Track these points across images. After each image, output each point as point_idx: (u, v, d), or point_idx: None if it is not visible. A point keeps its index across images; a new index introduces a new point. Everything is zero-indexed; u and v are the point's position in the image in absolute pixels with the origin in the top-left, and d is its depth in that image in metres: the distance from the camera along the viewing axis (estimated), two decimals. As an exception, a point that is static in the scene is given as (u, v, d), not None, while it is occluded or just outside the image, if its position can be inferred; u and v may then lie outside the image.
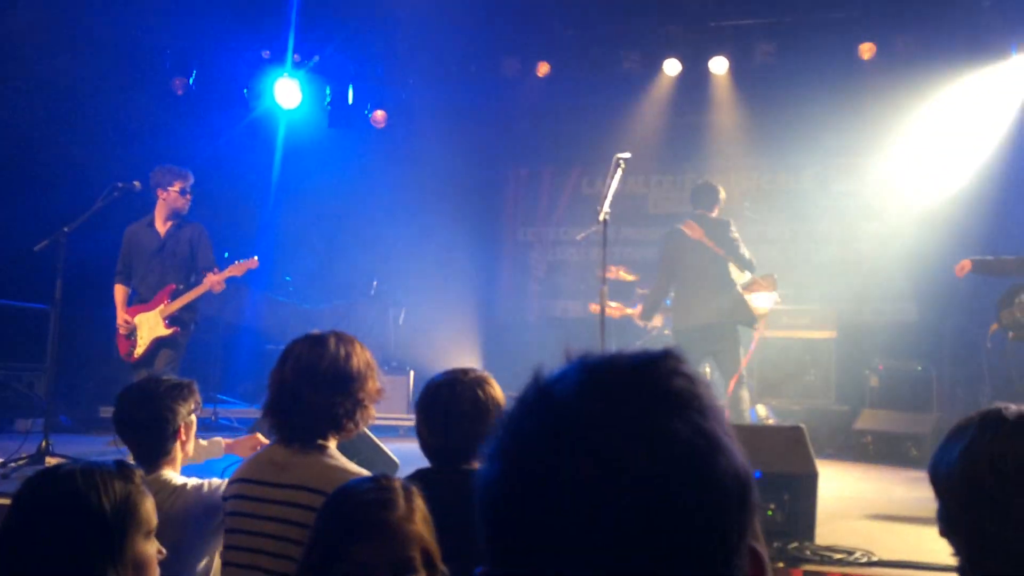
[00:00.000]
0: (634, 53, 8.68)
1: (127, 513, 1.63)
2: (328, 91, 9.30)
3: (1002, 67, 7.82)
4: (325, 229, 9.65)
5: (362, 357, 2.38)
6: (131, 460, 2.61)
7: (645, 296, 7.04)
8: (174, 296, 5.82)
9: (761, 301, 6.65)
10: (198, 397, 2.74)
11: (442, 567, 1.71)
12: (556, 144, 9.72)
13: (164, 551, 1.73)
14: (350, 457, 2.40)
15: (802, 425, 3.85)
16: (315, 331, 2.42)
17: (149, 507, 1.69)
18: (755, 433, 4.25)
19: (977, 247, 7.23)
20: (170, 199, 5.91)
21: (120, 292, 5.97)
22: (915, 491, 5.10)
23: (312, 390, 2.29)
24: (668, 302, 6.74)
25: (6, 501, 1.75)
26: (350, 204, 9.47)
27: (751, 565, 0.74)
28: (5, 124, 7.67)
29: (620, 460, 0.69)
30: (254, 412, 7.07)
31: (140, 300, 5.93)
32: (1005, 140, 7.89)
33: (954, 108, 8.02)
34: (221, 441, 3.25)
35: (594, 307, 6.99)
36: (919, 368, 7.34)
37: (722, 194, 6.47)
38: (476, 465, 2.25)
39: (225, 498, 2.38)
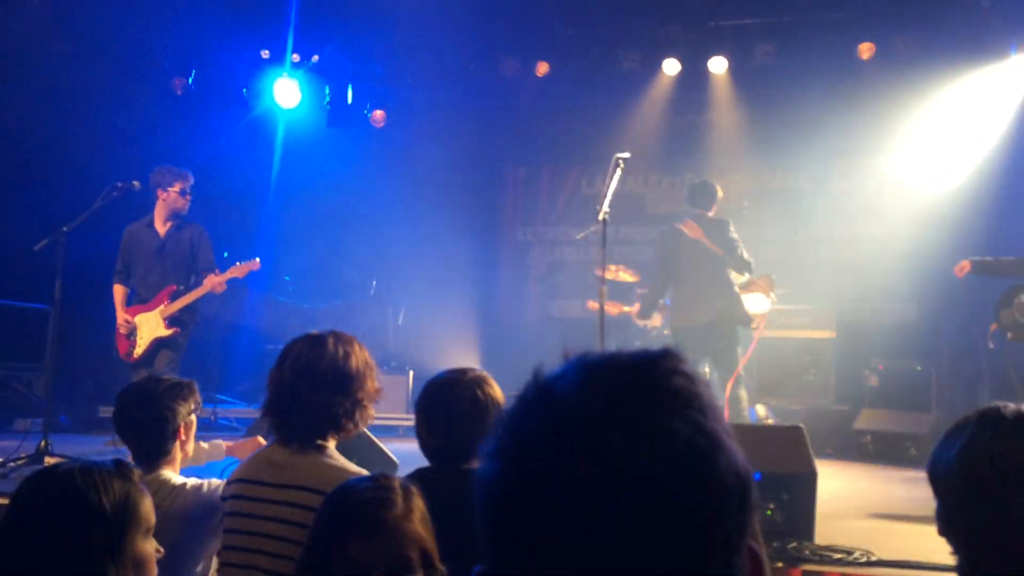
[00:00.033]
0: (633, 53, 8.68)
1: (127, 512, 1.63)
2: (327, 91, 9.30)
3: (1001, 67, 7.83)
4: (324, 229, 9.64)
5: (361, 357, 2.38)
6: (130, 460, 2.61)
7: (643, 295, 7.04)
8: (174, 297, 5.81)
9: (756, 304, 6.64)
10: (198, 397, 2.74)
11: (441, 567, 1.71)
12: (555, 144, 9.72)
13: (162, 550, 1.73)
14: (349, 457, 2.40)
15: (801, 425, 3.85)
16: (314, 331, 2.42)
17: (148, 506, 1.69)
18: (754, 433, 4.25)
19: (976, 247, 7.24)
20: (170, 199, 5.91)
21: (119, 292, 5.96)
22: (914, 491, 5.10)
23: (311, 390, 2.29)
24: (668, 302, 6.73)
25: (4, 501, 1.75)
26: (349, 204, 9.47)
27: (750, 565, 0.74)
28: (4, 124, 7.66)
29: (621, 458, 0.69)
30: (253, 412, 7.07)
31: (140, 300, 5.93)
32: (1004, 140, 7.90)
33: (954, 108, 8.02)
34: (222, 443, 3.25)
35: (592, 304, 6.98)
36: (918, 368, 7.35)
37: (720, 193, 6.47)
38: (476, 465, 2.25)
39: (224, 498, 2.38)
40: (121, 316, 5.87)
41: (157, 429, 2.59)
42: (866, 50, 7.97)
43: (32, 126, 7.89)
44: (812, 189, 9.04)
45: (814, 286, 8.33)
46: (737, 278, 6.42)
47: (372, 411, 2.42)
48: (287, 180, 9.52)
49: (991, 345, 5.72)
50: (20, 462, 4.86)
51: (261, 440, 3.13)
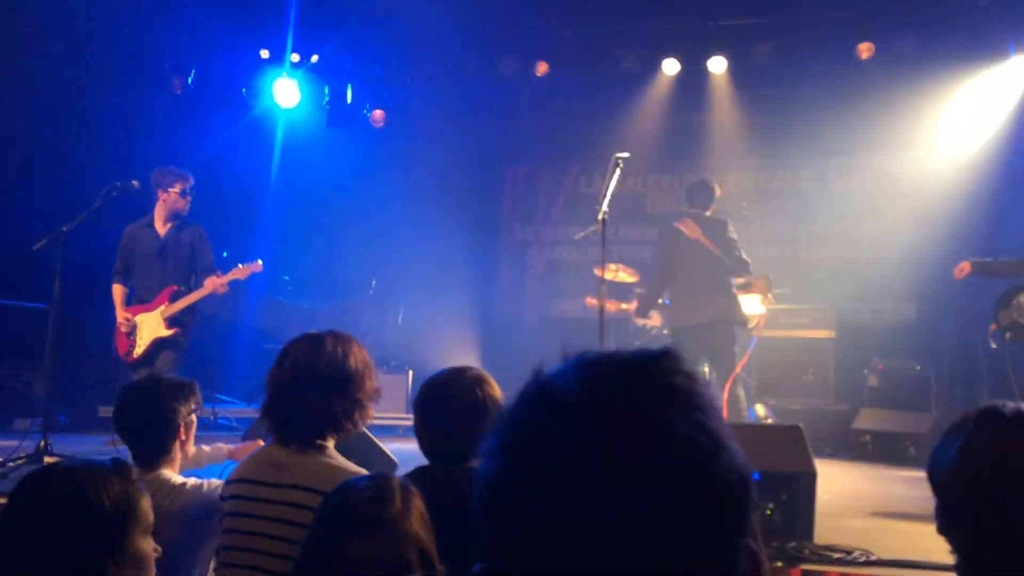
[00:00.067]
0: (633, 52, 8.69)
1: (126, 510, 1.64)
2: (327, 90, 9.30)
3: (1000, 67, 7.83)
4: (324, 228, 9.64)
5: (360, 357, 2.38)
6: (130, 460, 2.61)
7: (642, 294, 7.05)
8: (175, 297, 5.81)
9: (752, 306, 6.64)
10: (198, 397, 2.74)
11: (440, 568, 1.71)
12: (555, 143, 9.72)
13: (160, 549, 1.73)
14: (349, 457, 2.40)
15: (800, 425, 3.85)
16: (313, 331, 2.42)
17: (146, 504, 1.69)
18: (754, 432, 4.25)
19: (976, 247, 7.23)
20: (170, 200, 5.91)
21: (118, 291, 5.96)
22: (914, 490, 5.10)
23: (310, 390, 2.29)
24: (668, 302, 6.73)
25: (2, 500, 1.74)
26: (349, 203, 9.47)
27: (749, 564, 0.74)
28: (3, 124, 7.66)
29: (623, 457, 0.69)
30: (253, 412, 7.07)
31: (139, 300, 5.92)
32: (1004, 139, 7.90)
33: (953, 107, 8.02)
34: (223, 447, 3.25)
35: (591, 301, 6.99)
36: (918, 368, 7.35)
37: (718, 191, 6.46)
38: (475, 464, 2.25)
39: (223, 498, 2.37)
40: (121, 315, 5.86)
41: (157, 428, 2.59)
42: (865, 50, 7.98)
43: (31, 126, 7.89)
44: (811, 189, 9.04)
45: (813, 286, 8.33)
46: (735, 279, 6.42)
47: (371, 411, 2.42)
48: (287, 180, 9.52)
49: (993, 345, 5.72)
50: (19, 462, 4.86)
51: (262, 443, 3.13)
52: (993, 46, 7.76)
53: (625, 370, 0.75)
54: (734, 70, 8.55)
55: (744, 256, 6.28)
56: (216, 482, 2.55)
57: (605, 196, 5.25)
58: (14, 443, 5.17)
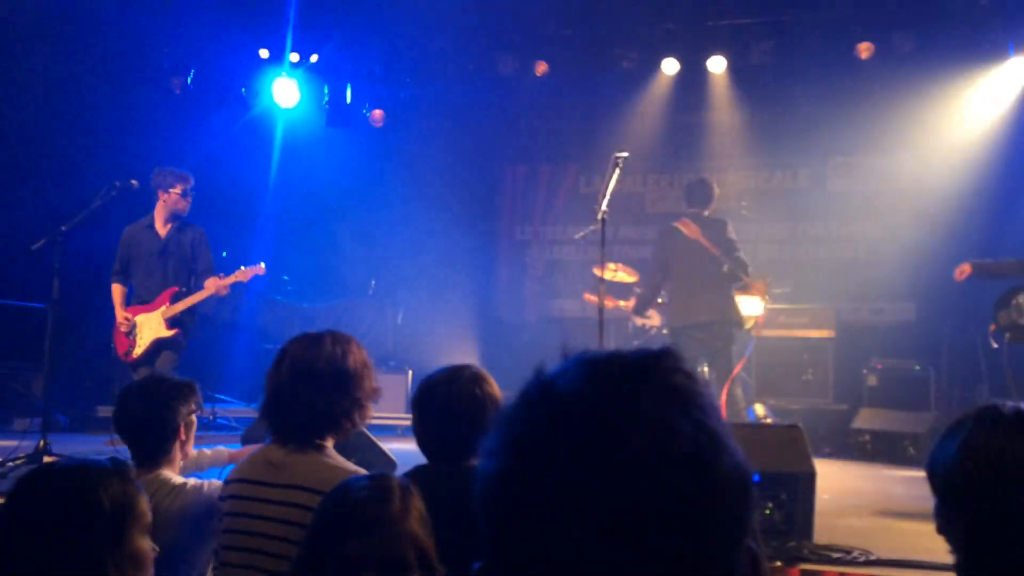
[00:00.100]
0: (632, 52, 8.68)
1: (124, 508, 1.64)
2: (326, 90, 9.30)
3: (1000, 66, 7.83)
4: (323, 228, 9.64)
5: (358, 356, 2.37)
6: (129, 459, 2.61)
7: (640, 293, 7.05)
8: (176, 298, 5.82)
9: (749, 307, 6.64)
10: (199, 397, 2.74)
11: (439, 568, 1.71)
12: (554, 143, 9.72)
13: (158, 549, 1.73)
14: (348, 457, 2.40)
15: (800, 424, 3.85)
16: (312, 331, 2.41)
17: (144, 503, 1.70)
18: (753, 432, 4.25)
19: (975, 246, 7.24)
20: (171, 201, 5.91)
21: (118, 291, 5.96)
22: (913, 490, 5.10)
23: (309, 390, 2.28)
24: (669, 302, 6.72)
25: (0, 500, 1.74)
26: (348, 203, 9.47)
27: (748, 563, 0.74)
28: (1, 123, 7.66)
29: (625, 455, 0.69)
30: (252, 412, 7.07)
31: (139, 301, 5.92)
32: (1003, 139, 7.90)
33: (952, 107, 8.03)
34: (224, 451, 3.25)
35: (589, 296, 6.98)
36: (917, 367, 7.35)
37: (716, 191, 6.46)
38: (474, 463, 2.25)
39: (222, 498, 2.37)
40: (121, 315, 5.86)
41: (157, 429, 2.58)
42: (865, 49, 7.97)
43: (30, 125, 7.89)
44: (811, 188, 9.04)
45: (813, 285, 8.34)
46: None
47: (370, 410, 2.42)
48: (286, 179, 9.52)
49: (994, 345, 5.72)
50: (19, 462, 4.85)
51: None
52: (992, 46, 7.75)
53: (626, 369, 0.75)
54: (733, 70, 8.55)
55: (743, 257, 6.28)
56: (216, 483, 2.55)
57: (604, 195, 5.25)
58: (13, 443, 5.17)
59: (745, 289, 6.46)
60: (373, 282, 9.08)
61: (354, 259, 9.34)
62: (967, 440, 1.44)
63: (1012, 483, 1.39)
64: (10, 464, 4.83)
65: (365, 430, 2.91)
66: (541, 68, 8.83)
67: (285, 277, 9.13)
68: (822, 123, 8.60)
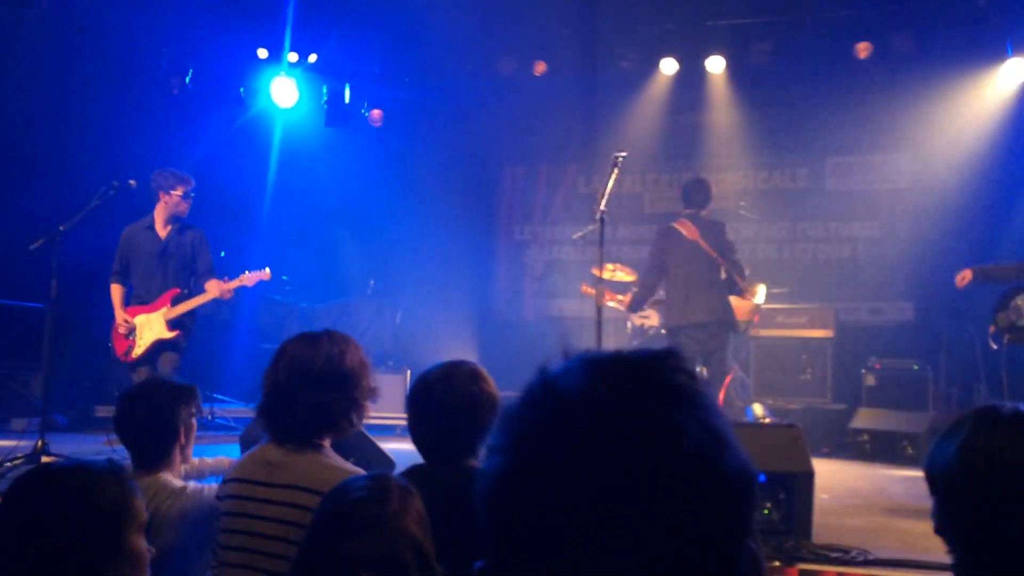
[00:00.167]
0: (631, 52, 8.69)
1: (121, 508, 1.65)
2: (325, 90, 9.29)
3: (998, 66, 7.83)
4: (322, 228, 9.64)
5: (356, 356, 2.37)
6: (128, 460, 2.61)
7: (634, 291, 7.05)
8: (177, 300, 5.82)
9: (742, 311, 6.63)
10: (199, 401, 2.74)
11: (438, 568, 1.70)
12: (553, 143, 9.72)
13: (154, 550, 1.74)
14: (346, 456, 2.39)
15: (798, 424, 3.85)
16: (310, 330, 2.41)
17: (140, 503, 1.71)
18: (751, 432, 4.25)
19: (973, 246, 7.26)
20: (172, 203, 5.91)
21: (117, 291, 5.95)
22: (911, 489, 5.11)
23: (306, 390, 2.28)
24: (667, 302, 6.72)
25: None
26: (347, 202, 9.47)
27: (748, 563, 0.74)
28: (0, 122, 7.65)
29: (629, 454, 0.69)
30: (251, 412, 7.05)
31: (139, 301, 5.91)
32: (1002, 139, 7.90)
33: (950, 107, 8.03)
34: (225, 460, 3.25)
35: (586, 288, 6.97)
36: (915, 367, 7.36)
37: (713, 191, 6.47)
38: (471, 462, 2.24)
39: (219, 497, 2.37)
40: (120, 315, 5.86)
41: (158, 432, 2.58)
42: (863, 49, 7.98)
43: (28, 125, 7.88)
44: (809, 188, 9.05)
45: (811, 285, 8.35)
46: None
47: (368, 410, 2.41)
48: (285, 179, 9.52)
49: (993, 346, 5.72)
50: (17, 462, 4.85)
51: None
52: (991, 47, 7.76)
53: (630, 369, 0.75)
54: (732, 70, 8.56)
55: (740, 261, 6.28)
56: (216, 487, 2.54)
57: (603, 195, 5.25)
58: (11, 443, 5.17)
59: (741, 294, 6.45)
60: (372, 282, 9.07)
61: (353, 259, 9.34)
62: (966, 441, 1.44)
63: (1011, 484, 1.39)
64: (8, 464, 4.83)
65: (363, 430, 2.90)
66: (540, 68, 8.84)
67: (284, 277, 9.12)
68: (821, 123, 8.60)
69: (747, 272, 6.51)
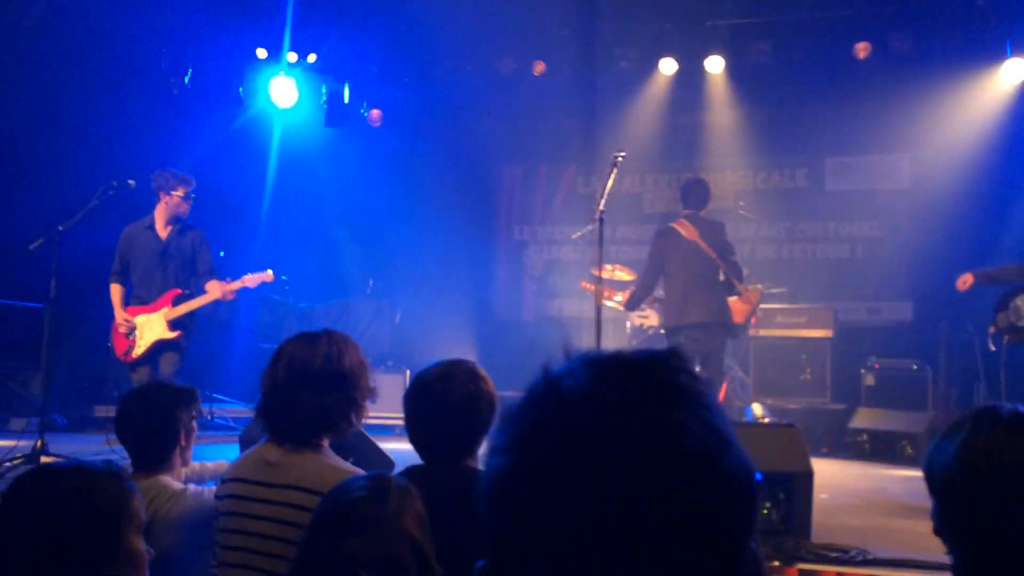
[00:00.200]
0: (630, 52, 8.69)
1: (119, 508, 1.65)
2: (324, 90, 9.29)
3: (998, 66, 7.84)
4: (321, 227, 9.64)
5: (355, 356, 2.37)
6: (127, 460, 2.61)
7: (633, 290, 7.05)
8: (178, 301, 5.82)
9: (738, 313, 6.62)
10: (199, 404, 2.74)
11: (438, 568, 1.70)
12: (552, 142, 9.72)
13: (152, 551, 1.74)
14: (345, 456, 2.39)
15: (797, 424, 3.86)
16: (309, 330, 2.41)
17: (138, 504, 1.71)
18: (750, 432, 4.25)
19: (973, 246, 7.26)
20: (173, 203, 5.91)
21: (117, 291, 5.95)
22: (910, 489, 5.11)
23: (305, 389, 2.28)
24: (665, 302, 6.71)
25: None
26: (346, 202, 9.47)
27: (748, 563, 0.74)
28: (-1, 122, 7.65)
29: (632, 454, 0.69)
30: (250, 411, 7.06)
31: (139, 301, 5.91)
32: (1001, 139, 7.91)
33: (950, 107, 8.03)
34: (225, 464, 3.25)
35: (585, 284, 6.97)
36: (915, 367, 7.36)
37: (712, 191, 6.46)
38: (469, 462, 2.24)
39: (219, 497, 2.37)
40: (120, 315, 5.85)
41: (159, 435, 2.59)
42: (862, 49, 7.98)
43: (27, 125, 7.87)
44: (809, 188, 9.05)
45: (810, 285, 8.35)
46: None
47: (367, 410, 2.41)
48: (284, 179, 9.51)
49: (992, 347, 5.73)
50: (16, 462, 4.85)
51: None
52: (990, 47, 7.76)
53: (632, 369, 0.75)
54: (731, 70, 8.55)
55: (739, 262, 6.28)
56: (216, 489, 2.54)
57: (603, 195, 5.25)
58: (11, 443, 5.17)
59: (739, 297, 6.43)
60: (371, 282, 9.07)
61: (352, 259, 9.34)
62: (965, 442, 1.44)
63: (1010, 484, 1.39)
64: (7, 464, 4.82)
65: (362, 429, 2.90)
66: (539, 68, 8.83)
67: (284, 277, 9.12)
68: (820, 123, 8.61)
69: (746, 273, 6.50)
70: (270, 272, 5.96)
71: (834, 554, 3.33)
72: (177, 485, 2.56)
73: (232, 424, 7.62)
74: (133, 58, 8.58)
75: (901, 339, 7.93)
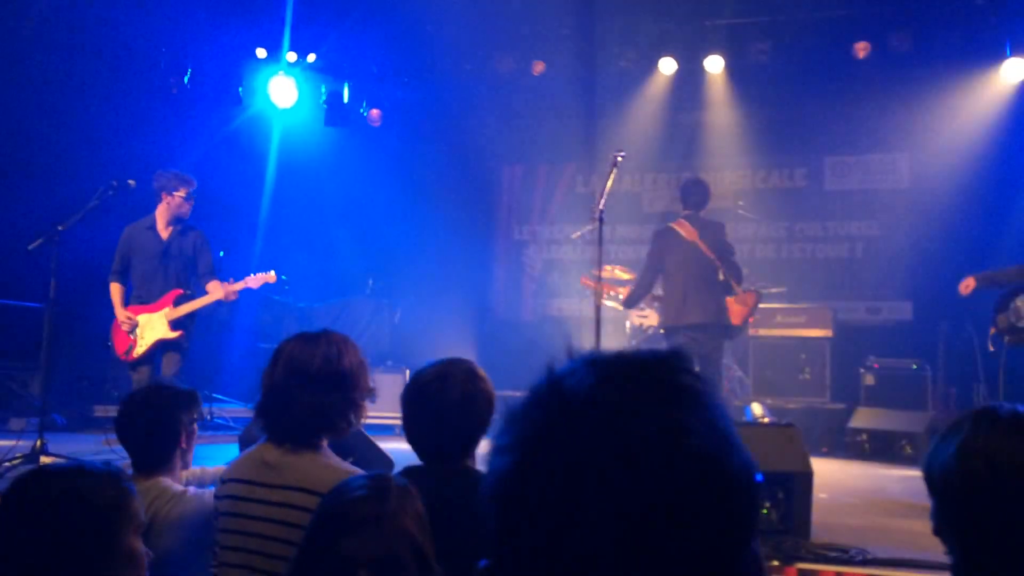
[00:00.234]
0: (629, 51, 8.69)
1: (120, 509, 1.65)
2: (323, 89, 9.29)
3: (997, 66, 7.84)
4: (321, 227, 9.63)
5: (354, 356, 2.36)
6: (127, 460, 2.61)
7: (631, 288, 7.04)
8: (179, 301, 5.82)
9: (735, 315, 6.62)
10: (200, 406, 2.74)
11: (437, 568, 1.70)
12: (551, 142, 9.72)
13: (151, 553, 1.74)
14: (345, 456, 2.39)
15: (796, 424, 3.86)
16: (308, 330, 2.41)
17: (137, 504, 1.71)
18: (750, 432, 4.26)
19: (972, 246, 7.26)
20: (174, 204, 5.92)
21: (117, 290, 5.95)
22: (910, 489, 5.11)
23: (304, 389, 2.27)
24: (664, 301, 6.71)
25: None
26: (346, 202, 9.46)
27: (749, 563, 0.74)
28: (-1, 122, 7.65)
29: (638, 454, 0.69)
30: (249, 411, 7.05)
31: (139, 301, 5.91)
32: (1000, 138, 7.91)
33: (949, 107, 8.03)
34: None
35: (585, 280, 6.97)
36: (914, 366, 7.36)
37: (712, 191, 6.46)
38: (468, 462, 2.23)
39: (218, 497, 2.37)
40: (122, 314, 5.85)
41: (160, 437, 2.59)
42: (862, 49, 7.98)
43: (26, 125, 7.87)
44: (808, 188, 9.05)
45: (810, 285, 8.35)
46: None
47: (366, 410, 2.41)
48: (283, 178, 9.51)
49: (991, 348, 5.73)
50: (16, 462, 4.85)
51: None
52: (989, 47, 7.76)
53: (635, 369, 0.75)
54: (731, 69, 8.55)
55: (738, 263, 6.28)
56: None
57: (602, 195, 5.25)
58: (10, 443, 5.17)
59: (737, 299, 6.43)
60: (371, 281, 9.07)
61: (351, 258, 9.34)
62: (965, 442, 1.44)
63: (1009, 485, 1.39)
64: (7, 464, 4.82)
65: (362, 429, 2.90)
66: (538, 67, 8.83)
67: (283, 276, 9.11)
68: (819, 122, 8.61)
69: (745, 273, 6.50)
70: (273, 273, 5.97)
71: (833, 554, 3.33)
72: (177, 487, 2.56)
73: (231, 424, 7.63)
74: (133, 58, 8.58)
75: (900, 339, 7.93)
